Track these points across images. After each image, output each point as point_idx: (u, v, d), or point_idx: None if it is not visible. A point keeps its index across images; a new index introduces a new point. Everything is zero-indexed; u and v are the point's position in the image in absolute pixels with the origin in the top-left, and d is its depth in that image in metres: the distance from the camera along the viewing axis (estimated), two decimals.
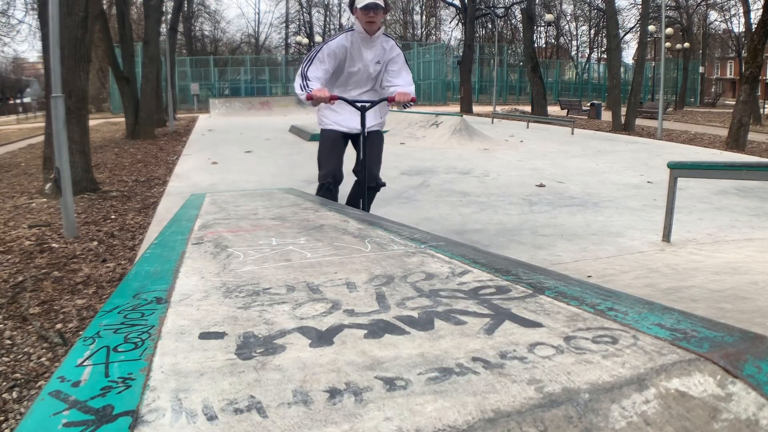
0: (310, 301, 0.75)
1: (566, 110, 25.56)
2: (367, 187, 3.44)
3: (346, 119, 3.43)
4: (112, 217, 5.39)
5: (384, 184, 3.54)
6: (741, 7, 28.58)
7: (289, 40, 43.89)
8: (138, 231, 4.79)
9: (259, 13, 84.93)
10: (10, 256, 4.01)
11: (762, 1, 13.71)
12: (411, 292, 0.77)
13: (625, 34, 36.42)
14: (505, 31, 42.39)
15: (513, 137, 12.98)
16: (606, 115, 22.40)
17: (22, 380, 2.26)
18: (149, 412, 0.46)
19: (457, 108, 25.02)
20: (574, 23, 46.05)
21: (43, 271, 3.67)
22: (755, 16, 22.71)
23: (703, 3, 35.95)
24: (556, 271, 0.85)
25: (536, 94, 22.20)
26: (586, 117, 23.61)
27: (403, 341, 0.59)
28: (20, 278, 3.52)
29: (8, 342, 2.63)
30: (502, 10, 36.84)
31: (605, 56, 35.08)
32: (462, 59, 28.06)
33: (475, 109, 26.85)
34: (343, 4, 41.48)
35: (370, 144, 3.40)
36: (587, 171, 7.68)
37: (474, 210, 5.20)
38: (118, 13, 16.78)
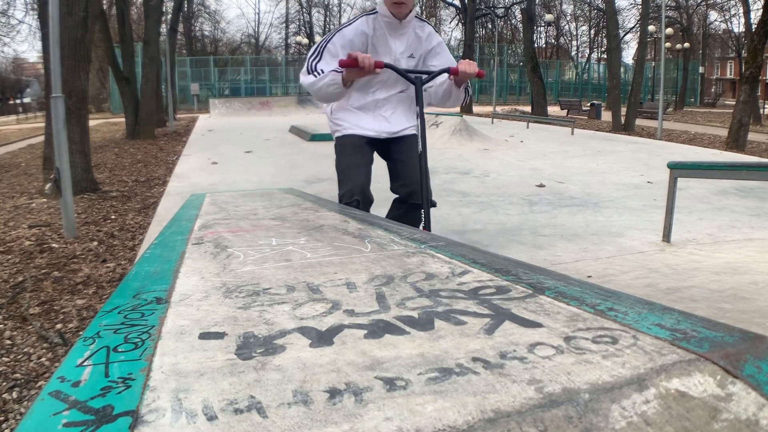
0: (310, 301, 0.75)
1: (566, 110, 25.56)
2: (412, 204, 2.58)
3: (369, 121, 2.62)
4: (112, 217, 5.39)
5: (435, 204, 2.58)
6: (741, 7, 28.60)
7: (289, 41, 43.90)
8: (138, 231, 4.79)
9: (259, 13, 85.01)
10: (10, 256, 4.01)
11: (762, 1, 13.70)
12: (411, 292, 0.77)
13: (625, 34, 36.44)
14: (505, 31, 42.40)
15: (513, 137, 12.98)
16: (606, 116, 22.40)
17: (22, 380, 2.26)
18: (149, 412, 0.46)
19: (457, 108, 25.01)
20: (574, 23, 46.08)
21: (43, 271, 3.67)
22: (755, 16, 22.73)
23: (703, 3, 35.96)
24: (556, 271, 0.85)
25: (536, 94, 22.21)
26: (586, 117, 23.61)
27: (403, 341, 0.59)
28: (20, 278, 3.52)
29: (8, 342, 2.63)
30: (502, 10, 36.87)
31: (605, 56, 35.08)
32: (462, 59, 28.00)
33: (475, 109, 26.85)
34: (343, 4, 41.54)
35: (407, 150, 2.62)
36: (587, 171, 7.68)
37: (474, 210, 5.20)
38: (118, 13, 16.78)
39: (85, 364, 0.57)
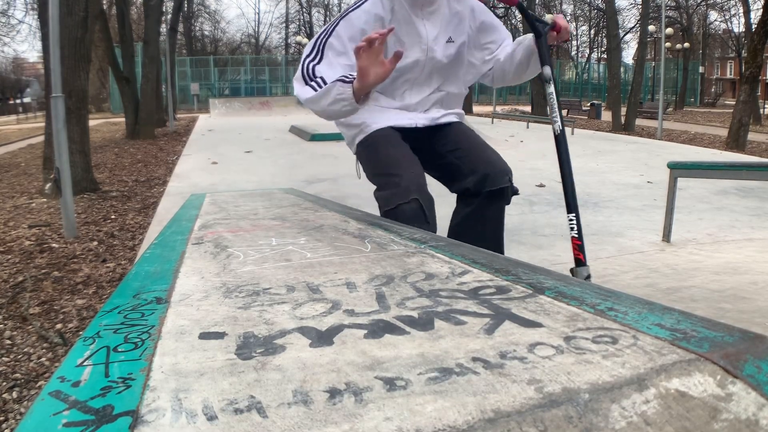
0: (310, 301, 0.75)
1: (566, 110, 25.56)
2: (488, 193, 1.93)
3: (401, 114, 1.99)
4: (112, 217, 5.39)
5: (517, 191, 2.08)
6: (741, 7, 28.61)
7: (289, 40, 43.91)
8: (138, 231, 4.79)
9: (259, 13, 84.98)
10: (10, 256, 4.01)
11: (762, 1, 13.71)
12: (411, 292, 0.77)
13: (625, 34, 36.44)
14: None
15: (513, 137, 12.98)
16: (606, 115, 22.40)
17: (22, 380, 2.26)
18: (149, 412, 0.46)
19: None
20: (574, 23, 46.04)
21: (43, 271, 3.67)
22: (755, 16, 22.72)
23: (703, 3, 35.97)
24: (556, 271, 0.86)
25: (536, 94, 22.21)
26: (586, 117, 23.62)
27: (403, 341, 0.59)
28: (20, 278, 3.52)
29: (8, 342, 2.63)
30: (503, 10, 36.89)
31: (605, 56, 35.09)
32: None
33: (475, 109, 26.84)
34: (343, 4, 41.48)
35: (457, 134, 2.05)
36: (587, 171, 7.69)
37: None
38: (118, 13, 16.79)
39: (85, 364, 0.57)
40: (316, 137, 11.48)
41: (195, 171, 8.14)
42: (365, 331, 0.62)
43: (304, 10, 44.58)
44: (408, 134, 1.98)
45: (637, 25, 29.87)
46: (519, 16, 35.75)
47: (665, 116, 18.49)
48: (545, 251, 3.77)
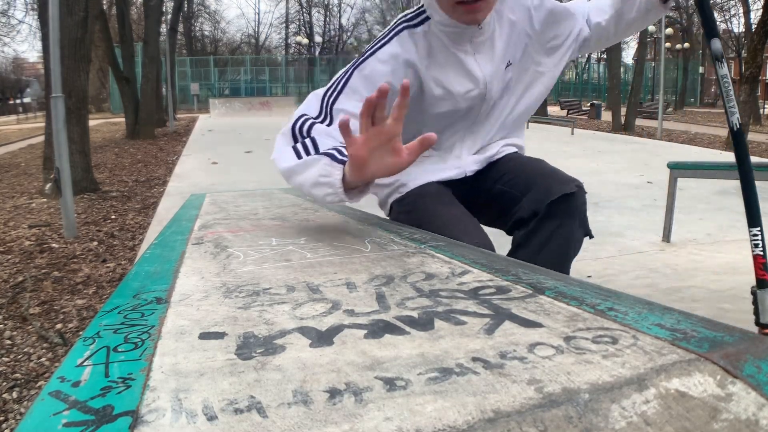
0: (310, 301, 0.75)
1: (566, 110, 25.56)
2: (549, 207, 1.38)
3: (443, 165, 1.54)
4: (112, 217, 5.40)
5: (590, 233, 1.65)
6: (741, 7, 28.60)
7: (289, 41, 43.92)
8: (138, 231, 4.79)
9: (259, 14, 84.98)
10: (10, 256, 4.01)
11: (762, 1, 13.71)
12: (411, 292, 0.77)
13: None
14: None
15: None
16: (606, 115, 22.39)
17: (22, 380, 2.26)
18: (149, 412, 0.46)
19: None
20: None
21: (43, 271, 3.67)
22: (755, 16, 22.74)
23: None
24: (556, 272, 0.85)
25: None
26: (586, 117, 23.62)
27: (403, 341, 0.59)
28: (20, 278, 3.52)
29: (8, 342, 2.64)
30: None
31: (605, 56, 35.06)
32: None
33: None
34: (343, 5, 41.52)
35: (507, 165, 1.55)
36: (587, 171, 7.69)
37: None
38: (118, 13, 16.79)
39: (85, 364, 0.57)
40: None
41: (195, 171, 8.14)
42: (365, 331, 0.62)
43: (304, 10, 44.58)
44: (454, 184, 1.55)
45: None
46: None
47: (665, 116, 18.49)
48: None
